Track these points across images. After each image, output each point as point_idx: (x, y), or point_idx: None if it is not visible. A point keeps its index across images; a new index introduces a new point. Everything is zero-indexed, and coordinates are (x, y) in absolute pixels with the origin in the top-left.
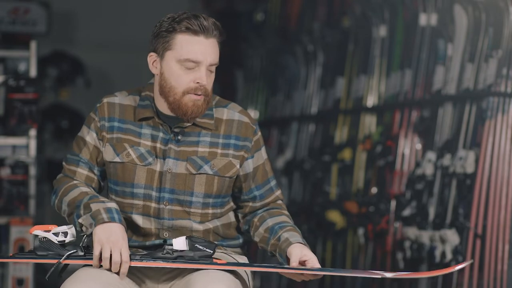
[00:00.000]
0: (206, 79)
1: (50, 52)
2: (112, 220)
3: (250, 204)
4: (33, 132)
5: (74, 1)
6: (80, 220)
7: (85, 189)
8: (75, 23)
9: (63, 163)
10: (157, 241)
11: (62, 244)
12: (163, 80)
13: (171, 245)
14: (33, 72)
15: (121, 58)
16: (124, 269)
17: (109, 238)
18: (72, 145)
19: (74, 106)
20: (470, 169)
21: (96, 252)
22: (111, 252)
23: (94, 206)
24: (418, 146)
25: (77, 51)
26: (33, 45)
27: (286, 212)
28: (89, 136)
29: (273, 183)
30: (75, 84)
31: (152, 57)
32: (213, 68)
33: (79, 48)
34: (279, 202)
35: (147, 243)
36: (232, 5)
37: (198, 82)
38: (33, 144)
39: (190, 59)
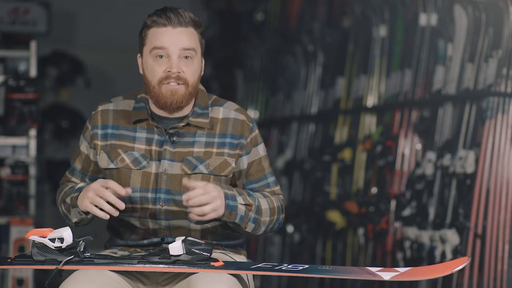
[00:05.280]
0: (178, 66)
1: (50, 52)
2: (80, 189)
3: None
4: (33, 132)
5: (74, 1)
6: (74, 221)
7: (66, 189)
8: (75, 23)
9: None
10: (155, 239)
11: (59, 250)
12: (144, 76)
13: (168, 243)
14: (33, 72)
15: (121, 58)
16: (115, 199)
17: (93, 198)
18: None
19: (74, 106)
20: (470, 169)
21: (96, 212)
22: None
23: (68, 200)
24: (418, 146)
25: (77, 51)
26: (33, 45)
27: (272, 197)
28: (83, 145)
29: (270, 179)
30: (75, 84)
31: (139, 59)
32: (191, 54)
33: (79, 48)
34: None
35: (145, 241)
36: (232, 5)
37: (169, 71)
38: (33, 144)
39: (156, 47)
